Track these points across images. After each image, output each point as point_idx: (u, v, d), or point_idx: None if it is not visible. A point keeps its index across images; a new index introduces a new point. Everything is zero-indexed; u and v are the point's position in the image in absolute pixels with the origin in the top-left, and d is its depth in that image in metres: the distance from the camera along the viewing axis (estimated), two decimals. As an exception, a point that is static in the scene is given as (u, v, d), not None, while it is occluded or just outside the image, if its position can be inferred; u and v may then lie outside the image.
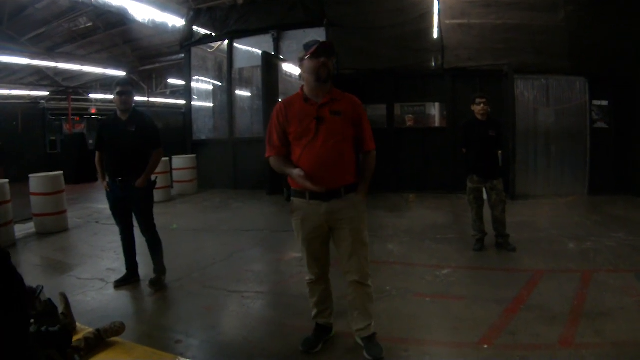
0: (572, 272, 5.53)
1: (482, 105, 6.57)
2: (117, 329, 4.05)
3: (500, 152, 6.74)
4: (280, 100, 13.44)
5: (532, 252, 6.38)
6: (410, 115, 13.90)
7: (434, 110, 13.02)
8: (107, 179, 5.69)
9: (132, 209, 5.70)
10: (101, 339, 3.90)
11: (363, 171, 3.73)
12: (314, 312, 4.02)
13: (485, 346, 3.77)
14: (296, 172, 3.45)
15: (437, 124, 13.01)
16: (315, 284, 3.92)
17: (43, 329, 2.00)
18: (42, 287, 2.38)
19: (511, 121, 10.41)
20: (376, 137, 3.94)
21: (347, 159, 3.63)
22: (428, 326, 4.27)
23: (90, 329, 4.01)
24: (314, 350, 3.88)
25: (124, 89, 5.51)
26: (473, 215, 6.73)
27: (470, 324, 4.20)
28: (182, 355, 3.94)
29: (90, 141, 22.04)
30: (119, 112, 5.62)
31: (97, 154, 5.84)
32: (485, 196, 6.71)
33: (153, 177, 5.78)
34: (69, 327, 4.03)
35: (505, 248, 6.55)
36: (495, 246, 6.69)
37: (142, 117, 5.71)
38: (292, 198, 3.75)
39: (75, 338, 3.61)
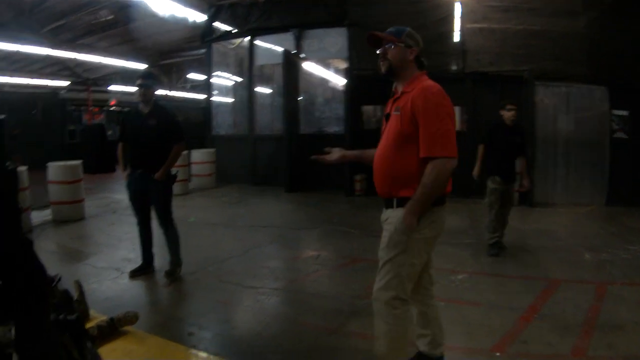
0: (588, 283, 5.50)
1: (512, 112, 6.71)
2: (131, 319, 4.20)
3: (521, 157, 6.82)
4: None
5: (549, 261, 6.36)
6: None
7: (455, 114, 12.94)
8: (128, 170, 5.77)
9: (151, 200, 5.75)
10: (114, 328, 4.05)
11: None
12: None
13: (498, 354, 3.77)
14: None
15: (456, 128, 12.88)
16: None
17: (60, 317, 2.07)
18: (60, 277, 2.43)
19: (531, 128, 10.33)
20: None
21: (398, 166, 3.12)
22: (442, 330, 4.29)
23: (104, 317, 4.16)
24: None
25: (144, 81, 5.58)
26: (492, 217, 6.77)
27: (484, 330, 4.20)
28: (194, 347, 4.00)
29: (110, 132, 22.23)
30: (140, 105, 5.70)
31: (119, 144, 5.93)
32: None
33: (174, 171, 5.85)
34: (84, 314, 4.08)
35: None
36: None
37: (163, 110, 5.79)
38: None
39: (88, 325, 3.69)
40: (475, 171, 6.82)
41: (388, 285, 3.10)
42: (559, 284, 5.41)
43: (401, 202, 3.08)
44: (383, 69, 3.21)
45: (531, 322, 4.38)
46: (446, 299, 4.93)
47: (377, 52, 3.21)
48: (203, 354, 3.88)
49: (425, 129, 2.95)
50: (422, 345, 3.49)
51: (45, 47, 19.19)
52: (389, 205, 3.17)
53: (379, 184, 3.22)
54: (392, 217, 3.12)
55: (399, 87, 3.22)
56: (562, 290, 5.23)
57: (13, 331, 1.51)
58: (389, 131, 3.17)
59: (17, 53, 19.67)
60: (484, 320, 4.43)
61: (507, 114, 6.73)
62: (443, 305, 4.73)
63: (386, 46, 3.17)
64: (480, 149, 6.85)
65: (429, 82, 3.12)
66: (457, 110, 12.36)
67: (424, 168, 2.96)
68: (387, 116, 3.23)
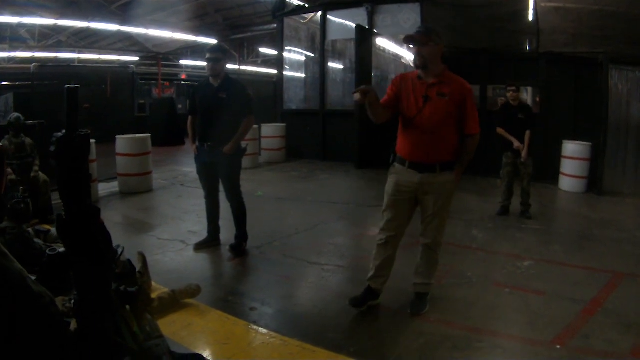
0: (652, 279, 5.30)
1: (511, 92, 7.68)
2: (193, 291, 4.31)
3: (528, 132, 7.61)
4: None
5: (614, 253, 6.15)
6: (503, 98, 13.45)
7: (526, 95, 12.64)
8: (197, 143, 5.85)
9: (219, 174, 5.83)
10: (176, 300, 4.16)
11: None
12: (370, 274, 4.37)
13: (558, 346, 3.71)
14: None
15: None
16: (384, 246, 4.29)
17: (121, 288, 2.24)
18: (124, 248, 2.68)
19: (604, 113, 10.01)
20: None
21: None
22: (504, 318, 4.25)
23: (166, 289, 4.27)
24: (360, 309, 4.26)
25: (212, 55, 5.62)
26: (503, 187, 7.93)
27: (546, 321, 4.15)
28: (255, 322, 4.04)
29: (180, 106, 22.78)
30: (210, 78, 5.75)
31: (189, 117, 6.00)
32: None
33: (243, 145, 5.88)
34: (146, 285, 4.07)
35: (524, 215, 7.81)
36: (518, 214, 7.85)
37: (233, 84, 5.82)
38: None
39: (149, 297, 3.73)
40: (519, 147, 7.64)
41: (442, 232, 4.25)
42: (623, 278, 5.24)
43: (444, 167, 4.01)
44: (419, 64, 3.94)
45: (593, 316, 4.28)
46: (511, 286, 4.95)
47: (411, 47, 4.01)
48: (263, 330, 3.92)
49: (470, 113, 3.96)
50: (376, 284, 4.35)
51: (115, 23, 19.68)
52: (428, 170, 4.00)
53: (427, 152, 3.98)
54: (439, 181, 4.01)
55: (428, 77, 3.97)
56: (625, 284, 5.04)
57: (73, 300, 1.52)
58: (437, 111, 3.91)
59: (88, 29, 20.24)
60: (547, 310, 4.39)
61: (508, 95, 7.76)
62: (508, 292, 4.80)
63: (421, 45, 3.91)
64: (501, 131, 7.73)
65: (458, 76, 4.04)
66: (529, 90, 12.26)
67: (458, 140, 4.05)
68: (426, 97, 3.92)
